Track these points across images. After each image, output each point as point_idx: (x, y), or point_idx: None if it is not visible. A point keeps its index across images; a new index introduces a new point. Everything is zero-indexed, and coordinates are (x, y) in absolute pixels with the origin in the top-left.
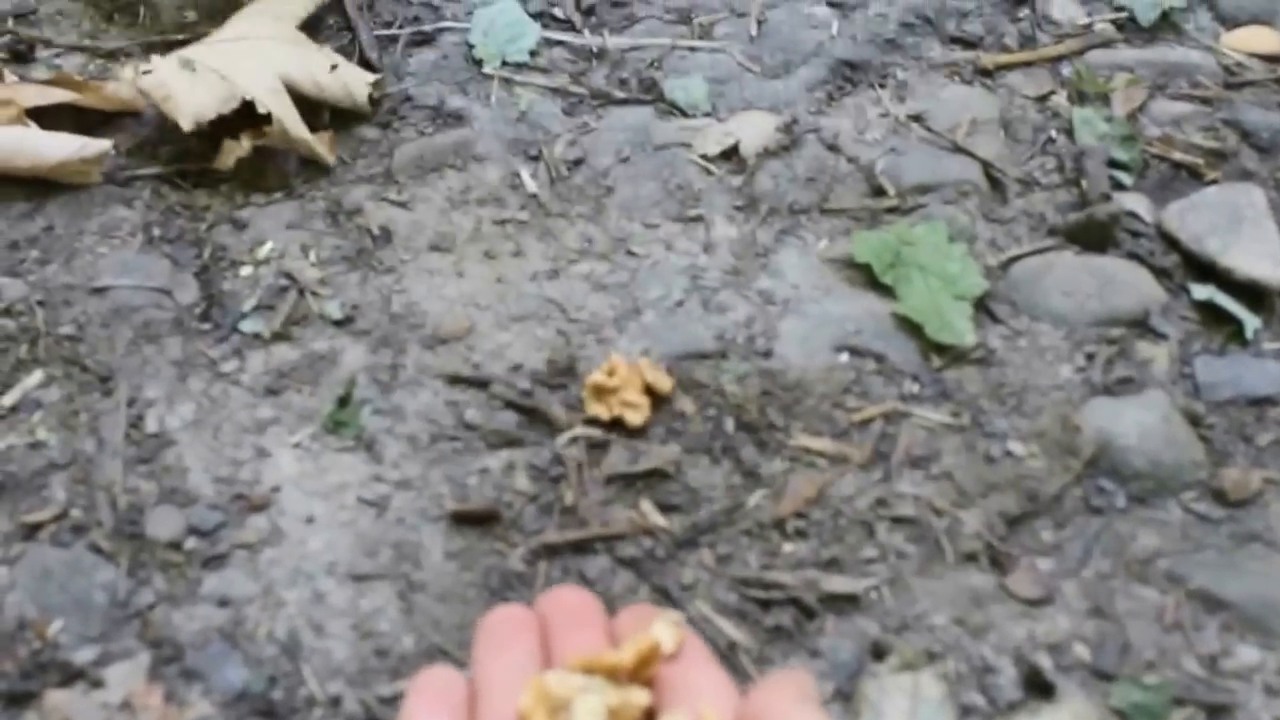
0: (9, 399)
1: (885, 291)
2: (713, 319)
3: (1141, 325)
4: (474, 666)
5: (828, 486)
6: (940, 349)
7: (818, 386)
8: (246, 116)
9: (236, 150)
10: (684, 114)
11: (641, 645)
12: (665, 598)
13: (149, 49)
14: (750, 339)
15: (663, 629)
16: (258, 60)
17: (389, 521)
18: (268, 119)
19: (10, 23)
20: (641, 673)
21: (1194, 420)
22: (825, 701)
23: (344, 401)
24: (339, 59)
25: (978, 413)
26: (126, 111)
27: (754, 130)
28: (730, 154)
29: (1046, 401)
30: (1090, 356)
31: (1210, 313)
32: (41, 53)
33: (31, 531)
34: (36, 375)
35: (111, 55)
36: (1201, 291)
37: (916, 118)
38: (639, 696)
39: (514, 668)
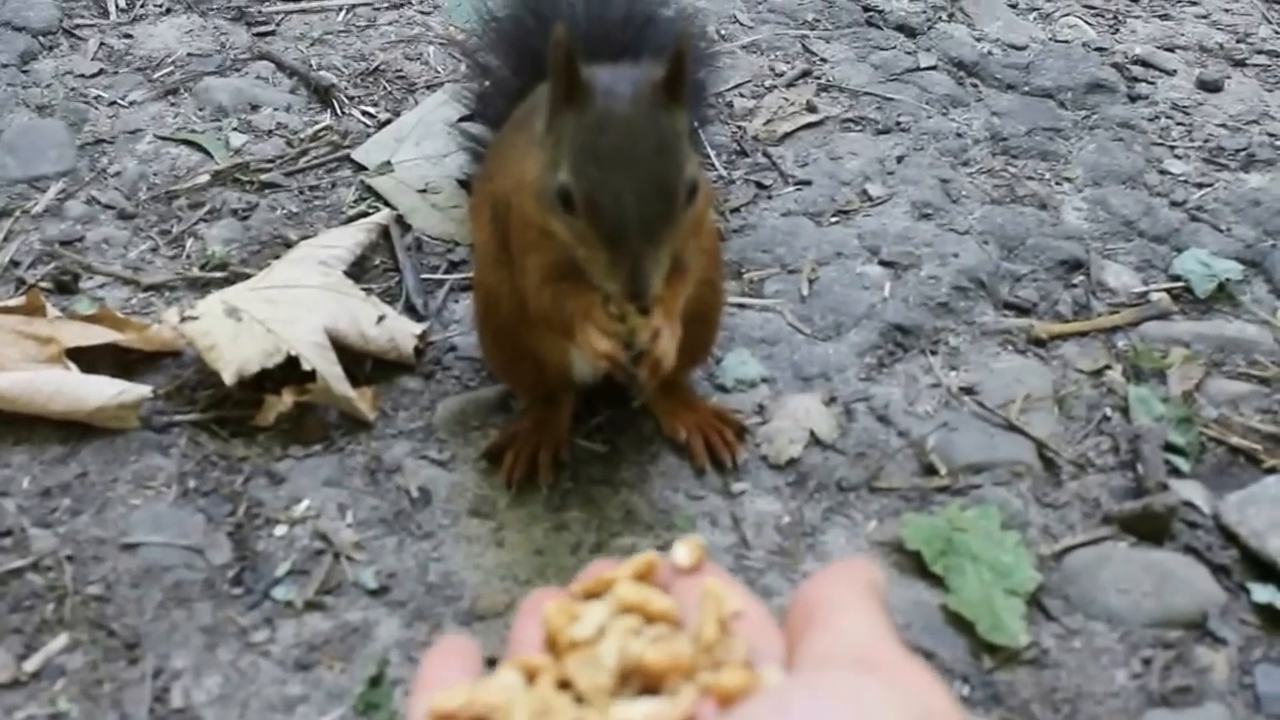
0: (31, 664)
1: (935, 581)
2: None
3: (1199, 628)
4: (511, 636)
5: None
6: (992, 649)
7: None
8: (290, 369)
9: (278, 406)
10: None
11: (637, 563)
12: None
13: (192, 284)
14: None
15: (681, 547)
16: (303, 311)
17: None
18: (311, 375)
19: (57, 247)
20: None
21: None
22: None
23: (376, 681)
24: (386, 309)
25: None
26: (167, 352)
27: (804, 414)
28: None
29: (1102, 710)
30: (1147, 662)
31: (1271, 616)
32: (85, 282)
33: None
34: (61, 639)
35: (155, 289)
36: (1262, 593)
37: (969, 390)
38: (655, 597)
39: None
